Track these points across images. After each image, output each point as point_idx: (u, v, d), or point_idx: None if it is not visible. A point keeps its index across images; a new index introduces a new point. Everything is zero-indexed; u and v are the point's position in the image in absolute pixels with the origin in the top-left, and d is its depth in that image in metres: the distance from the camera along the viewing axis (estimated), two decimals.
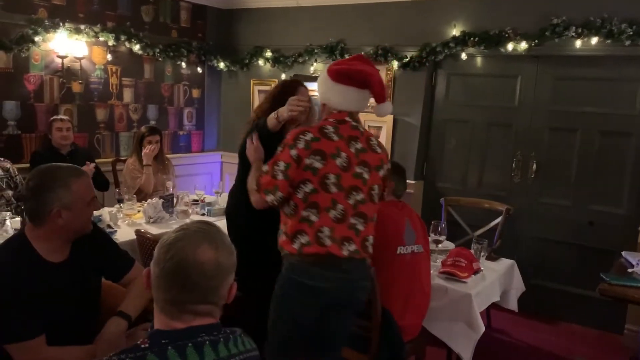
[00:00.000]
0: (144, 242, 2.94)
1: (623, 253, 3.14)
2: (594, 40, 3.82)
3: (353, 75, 2.15)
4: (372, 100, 2.23)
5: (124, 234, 3.28)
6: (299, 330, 2.13)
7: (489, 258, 3.26)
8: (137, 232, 3.02)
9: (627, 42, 3.70)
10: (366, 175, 2.14)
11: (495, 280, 3.06)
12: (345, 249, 2.08)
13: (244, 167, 2.68)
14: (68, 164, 1.89)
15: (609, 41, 3.78)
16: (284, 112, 2.43)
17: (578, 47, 3.90)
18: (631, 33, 3.67)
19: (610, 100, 3.96)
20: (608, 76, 3.95)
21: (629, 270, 2.88)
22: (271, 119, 2.46)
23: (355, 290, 2.17)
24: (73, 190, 1.78)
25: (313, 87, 5.32)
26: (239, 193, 2.78)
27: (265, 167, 2.14)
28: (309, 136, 2.08)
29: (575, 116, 4.10)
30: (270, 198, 2.08)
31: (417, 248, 2.69)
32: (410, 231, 2.68)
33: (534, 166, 4.26)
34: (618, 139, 3.98)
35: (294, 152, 2.06)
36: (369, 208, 2.16)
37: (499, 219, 3.97)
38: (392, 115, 4.83)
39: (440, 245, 3.17)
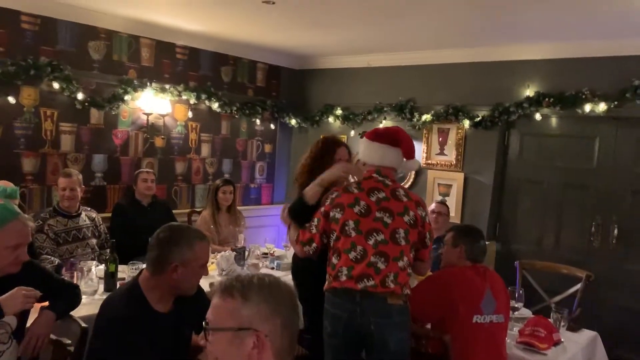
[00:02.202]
0: None
1: None
2: None
3: (384, 134, 2.53)
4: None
5: None
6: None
7: (569, 328, 3.07)
8: (212, 285, 3.09)
9: None
10: (387, 220, 2.40)
11: (577, 352, 2.88)
12: (362, 284, 2.34)
13: None
14: (197, 229, 2.10)
15: None
16: (329, 176, 2.62)
17: None
18: None
19: None
20: None
21: None
22: (312, 189, 2.61)
23: (369, 323, 2.33)
24: (195, 250, 1.93)
25: None
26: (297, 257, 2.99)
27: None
28: (334, 194, 2.50)
29: None
30: (306, 248, 2.54)
31: (497, 318, 2.57)
32: (490, 299, 2.58)
33: (615, 231, 4.06)
34: None
35: (322, 209, 2.51)
36: (391, 249, 2.38)
37: (578, 286, 3.77)
38: (462, 174, 4.79)
39: (516, 313, 3.04)
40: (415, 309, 2.57)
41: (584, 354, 2.99)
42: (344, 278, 2.37)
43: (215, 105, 5.18)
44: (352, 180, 2.72)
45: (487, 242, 4.54)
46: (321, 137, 3.05)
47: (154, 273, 1.93)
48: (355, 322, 2.36)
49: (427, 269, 2.67)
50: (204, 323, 1.25)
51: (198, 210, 4.91)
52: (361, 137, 5.29)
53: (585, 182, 4.24)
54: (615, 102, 3.93)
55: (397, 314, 2.37)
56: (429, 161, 5.04)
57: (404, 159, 2.55)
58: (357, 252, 2.38)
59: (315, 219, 2.51)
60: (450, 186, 4.92)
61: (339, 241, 2.43)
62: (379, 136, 2.53)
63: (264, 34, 4.83)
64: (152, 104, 4.72)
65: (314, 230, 2.51)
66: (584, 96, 4.06)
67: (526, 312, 3.25)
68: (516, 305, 2.97)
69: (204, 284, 3.29)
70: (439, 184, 4.99)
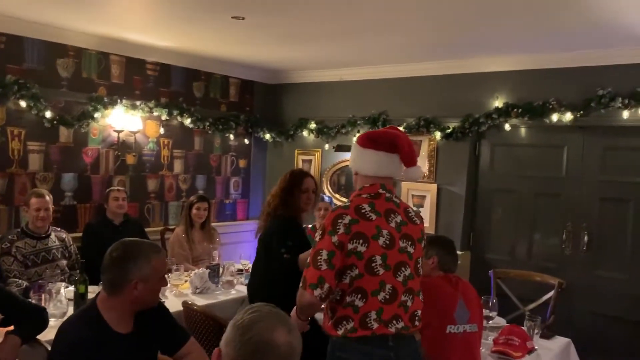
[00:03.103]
0: (191, 313, 2.97)
1: None
2: None
3: (379, 139, 2.14)
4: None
5: (171, 304, 3.28)
6: None
7: (543, 336, 3.10)
8: (185, 303, 3.05)
9: None
10: (410, 249, 2.11)
11: None
12: (393, 326, 2.05)
13: (265, 251, 3.12)
14: (150, 241, 2.05)
15: None
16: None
17: (625, 117, 3.87)
18: None
19: None
20: None
21: None
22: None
23: None
24: (153, 265, 1.90)
25: None
26: (258, 274, 3.19)
27: (307, 260, 2.06)
28: (347, 219, 2.02)
29: (627, 186, 4.00)
30: (317, 292, 1.97)
31: (471, 327, 2.58)
32: (463, 309, 2.58)
33: (586, 237, 4.14)
34: None
35: (335, 239, 2.00)
36: (415, 282, 2.14)
37: (551, 293, 3.82)
38: (435, 185, 4.83)
39: (491, 322, 3.06)
40: None
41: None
42: (375, 325, 2.01)
43: (187, 121, 5.15)
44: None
45: (461, 252, 4.62)
46: (289, 170, 3.27)
47: (112, 293, 1.88)
48: None
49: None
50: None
51: (171, 227, 4.85)
52: (335, 151, 5.38)
53: (555, 191, 4.32)
54: (581, 112, 4.03)
55: (419, 348, 2.25)
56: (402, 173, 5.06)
57: (404, 167, 2.16)
58: (387, 291, 2.03)
59: (325, 252, 1.99)
60: (423, 197, 4.96)
61: (362, 279, 2.01)
62: (372, 141, 2.14)
63: (235, 49, 4.83)
64: (123, 121, 4.66)
65: (324, 267, 1.98)
66: (551, 106, 4.14)
67: (501, 321, 3.27)
68: (490, 314, 2.99)
69: (178, 302, 3.25)
70: (412, 195, 5.03)
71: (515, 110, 4.30)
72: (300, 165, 5.78)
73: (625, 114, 3.85)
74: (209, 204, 4.50)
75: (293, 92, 5.91)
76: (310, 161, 5.73)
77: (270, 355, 1.23)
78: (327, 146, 5.51)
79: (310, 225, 4.71)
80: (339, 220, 2.02)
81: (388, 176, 2.17)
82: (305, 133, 5.63)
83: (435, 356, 2.46)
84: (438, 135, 4.77)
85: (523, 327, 2.99)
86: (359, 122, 5.21)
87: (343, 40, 4.20)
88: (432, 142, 4.86)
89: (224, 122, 5.49)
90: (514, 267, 4.30)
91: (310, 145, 5.70)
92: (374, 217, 2.06)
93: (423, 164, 4.92)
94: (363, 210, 2.06)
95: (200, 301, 3.31)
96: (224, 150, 5.70)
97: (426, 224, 4.65)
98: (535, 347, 2.88)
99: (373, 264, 2.02)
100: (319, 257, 2.00)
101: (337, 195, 5.50)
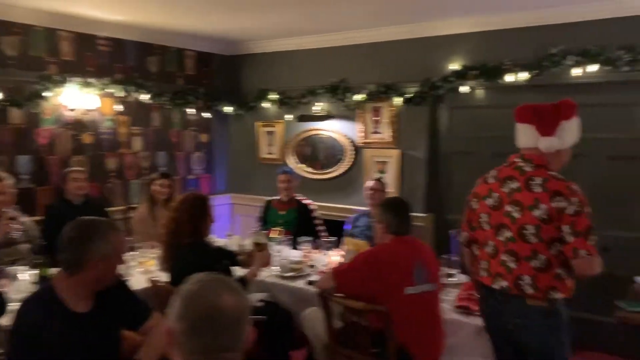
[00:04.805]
0: (158, 290, 2.96)
1: (637, 278, 3.12)
2: (593, 67, 3.88)
3: (520, 111, 2.37)
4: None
5: (137, 282, 3.29)
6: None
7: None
8: (151, 280, 3.04)
9: (625, 68, 3.76)
10: (516, 214, 2.21)
11: None
12: (497, 284, 2.28)
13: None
14: (107, 219, 2.02)
15: (606, 68, 3.84)
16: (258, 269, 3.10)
17: (576, 75, 3.96)
18: (628, 59, 3.73)
19: (614, 126, 3.99)
20: (609, 102, 3.99)
21: None
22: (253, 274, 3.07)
23: (510, 324, 2.26)
24: (111, 243, 1.87)
25: (317, 126, 5.43)
26: None
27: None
28: (478, 182, 2.47)
29: (581, 142, 4.09)
30: (461, 240, 2.56)
31: (429, 287, 2.66)
32: (420, 269, 2.65)
33: None
34: (626, 162, 3.99)
35: (468, 198, 2.50)
36: (521, 247, 2.20)
37: None
38: (398, 150, 4.89)
39: (453, 279, 3.16)
40: (347, 288, 2.63)
41: None
42: (484, 274, 2.36)
43: (144, 97, 5.03)
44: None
45: (424, 215, 4.72)
46: (191, 195, 3.15)
47: (71, 274, 1.86)
48: (498, 320, 2.33)
49: (580, 269, 2.15)
50: None
51: (134, 206, 4.79)
52: (298, 121, 5.36)
53: (511, 150, 4.38)
54: (535, 71, 4.10)
55: (539, 317, 2.20)
56: (366, 140, 5.11)
57: (540, 136, 2.26)
58: (490, 247, 2.32)
59: (464, 208, 2.52)
60: (386, 163, 5.01)
61: (476, 232, 2.41)
62: (517, 115, 2.36)
63: (189, 21, 4.72)
64: (77, 99, 4.53)
65: (463, 219, 2.52)
66: (505, 67, 4.21)
67: (463, 278, 3.38)
68: (452, 272, 3.08)
69: (143, 279, 3.24)
70: (376, 162, 5.08)
71: (471, 72, 4.36)
72: (263, 136, 5.74)
73: (576, 71, 3.95)
74: (172, 181, 4.45)
75: (252, 63, 5.83)
76: (272, 132, 5.71)
77: (221, 319, 1.25)
78: (289, 116, 5.48)
79: (277, 198, 4.72)
80: (475, 187, 2.48)
81: (532, 146, 2.29)
82: (266, 104, 5.59)
83: (397, 318, 2.53)
84: (398, 100, 4.80)
85: None
86: (319, 91, 5.19)
87: (300, 7, 4.15)
88: (392, 108, 4.89)
89: (182, 96, 5.39)
90: None
91: (272, 117, 5.66)
92: (492, 181, 2.36)
93: (385, 130, 4.96)
94: (487, 175, 2.42)
95: (166, 277, 3.30)
96: (184, 126, 5.61)
97: (390, 189, 4.81)
98: None
99: (481, 220, 2.36)
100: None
101: (302, 166, 5.50)
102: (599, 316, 4.04)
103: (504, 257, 2.24)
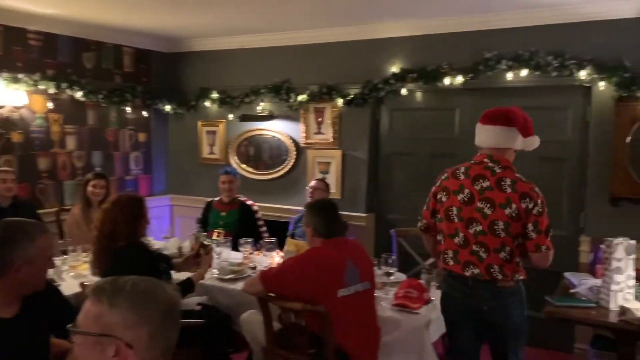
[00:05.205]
0: None
1: (565, 274, 3.26)
2: (524, 72, 4.04)
3: (495, 115, 2.52)
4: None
5: (68, 287, 3.16)
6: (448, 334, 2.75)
7: (439, 287, 3.30)
8: (82, 284, 2.93)
9: (554, 74, 3.94)
10: (488, 211, 2.42)
11: None
12: (468, 271, 2.47)
13: None
14: (34, 220, 1.90)
15: (537, 73, 4.01)
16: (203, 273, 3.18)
17: (509, 79, 4.11)
18: (557, 65, 3.91)
19: (545, 129, 4.15)
20: (539, 105, 4.16)
21: (572, 290, 3.00)
22: (198, 277, 3.14)
23: (483, 306, 2.47)
24: (38, 245, 1.78)
25: (260, 126, 5.38)
26: None
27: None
28: (444, 176, 2.62)
29: None
30: (419, 225, 2.75)
31: (362, 286, 2.66)
32: (352, 270, 2.64)
33: None
34: (555, 163, 4.18)
35: (433, 189, 2.66)
36: (490, 240, 2.43)
37: None
38: (340, 151, 4.92)
39: (392, 277, 3.21)
40: (276, 293, 2.61)
41: None
42: (451, 262, 2.53)
43: (78, 94, 4.83)
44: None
45: (365, 215, 4.78)
46: (125, 196, 3.03)
47: None
48: (470, 302, 2.50)
49: (538, 261, 2.46)
50: (70, 325, 1.21)
51: (68, 208, 4.59)
52: (240, 121, 5.30)
53: (449, 151, 4.54)
54: (471, 75, 4.23)
55: (509, 295, 2.47)
56: (308, 140, 5.11)
57: (522, 137, 2.50)
58: (460, 238, 2.49)
59: (428, 198, 2.68)
60: (329, 164, 5.03)
61: (443, 223, 2.57)
62: (490, 119, 2.52)
63: (127, 16, 4.58)
64: (4, 96, 4.30)
65: (425, 208, 2.69)
66: (443, 70, 4.32)
67: (401, 277, 3.43)
68: (390, 271, 3.13)
69: (74, 284, 3.11)
70: (318, 162, 5.09)
71: (410, 75, 4.44)
72: (204, 136, 5.65)
73: (509, 75, 4.10)
74: (107, 181, 4.30)
75: (193, 61, 5.72)
76: (214, 132, 5.62)
77: (175, 313, 1.23)
78: (231, 116, 5.41)
79: (216, 199, 4.66)
80: (441, 177, 2.64)
81: (505, 147, 2.50)
82: (207, 103, 5.49)
83: (333, 319, 2.53)
84: (340, 102, 4.83)
85: (421, 280, 3.17)
86: (262, 90, 5.15)
87: (241, 6, 4.10)
88: (334, 109, 4.92)
89: (119, 94, 5.22)
90: (414, 225, 4.48)
91: (214, 116, 5.57)
92: (462, 177, 2.52)
93: (327, 131, 4.98)
94: (457, 171, 2.56)
95: None
96: (121, 124, 5.43)
97: (332, 190, 4.84)
98: (432, 298, 3.06)
99: (450, 213, 2.52)
100: (426, 202, 2.70)
101: (244, 166, 5.44)
102: (530, 311, 4.20)
103: (475, 248, 2.45)
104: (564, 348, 4.11)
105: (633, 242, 2.74)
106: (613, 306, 2.70)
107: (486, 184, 2.45)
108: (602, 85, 3.84)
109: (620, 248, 2.70)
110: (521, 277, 2.51)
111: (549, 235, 2.44)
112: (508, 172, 2.45)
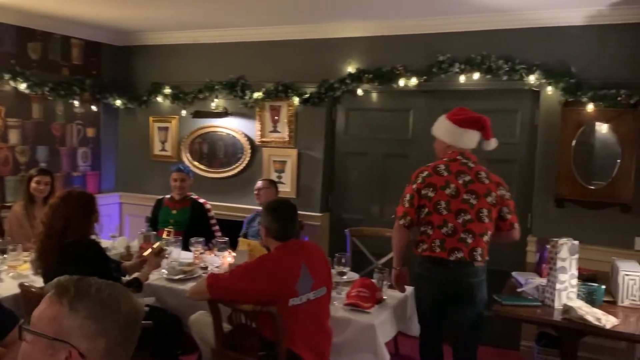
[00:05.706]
0: (29, 296, 2.72)
1: (513, 273, 3.34)
2: (476, 75, 4.12)
3: (473, 121, 2.95)
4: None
5: (7, 287, 3.01)
6: (424, 313, 3.03)
7: (391, 287, 3.32)
8: (22, 285, 2.79)
9: (504, 77, 4.03)
10: (473, 201, 2.81)
11: (397, 307, 3.13)
12: (454, 255, 2.79)
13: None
14: None
15: (488, 76, 4.09)
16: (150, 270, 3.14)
17: (462, 82, 4.19)
18: (507, 69, 4.00)
19: (494, 131, 4.24)
20: (490, 108, 4.23)
21: (519, 290, 3.07)
22: (145, 276, 3.09)
23: (462, 283, 2.83)
24: None
25: (214, 123, 5.29)
26: None
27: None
28: (425, 173, 2.88)
29: None
30: (402, 222, 2.89)
31: (315, 294, 2.61)
32: (306, 277, 2.57)
33: None
34: (504, 165, 4.26)
35: (414, 186, 2.87)
36: (477, 226, 2.81)
37: None
38: (295, 150, 4.89)
39: (345, 277, 3.21)
40: (229, 298, 2.56)
41: (404, 308, 3.25)
42: (438, 250, 2.82)
43: (22, 86, 4.62)
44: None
45: (320, 214, 4.77)
46: (76, 192, 2.88)
47: None
48: (451, 281, 2.83)
49: (516, 235, 2.98)
50: (22, 320, 1.15)
51: (9, 205, 4.38)
52: (193, 117, 5.18)
53: (403, 152, 4.59)
54: (425, 77, 4.28)
55: (482, 273, 2.89)
56: (264, 139, 5.06)
57: (485, 140, 2.99)
58: (449, 228, 2.80)
59: (408, 195, 2.88)
60: (284, 162, 5.00)
61: (431, 216, 2.83)
62: (470, 124, 2.93)
63: (76, 7, 4.40)
64: None
65: (407, 205, 2.87)
66: (398, 72, 4.35)
67: (354, 276, 3.44)
68: (344, 270, 3.12)
69: (14, 284, 2.97)
70: (274, 161, 5.05)
71: (366, 75, 4.46)
72: (156, 132, 5.51)
73: (462, 78, 4.17)
74: (52, 178, 4.13)
75: (145, 55, 5.57)
76: (166, 128, 5.49)
77: (139, 324, 1.19)
78: (184, 112, 5.29)
79: (167, 197, 4.55)
80: (420, 174, 2.90)
81: (469, 147, 2.96)
82: (160, 99, 5.36)
83: (286, 329, 2.50)
84: (296, 100, 4.80)
85: (373, 280, 3.18)
86: (217, 87, 5.07)
87: (194, 1, 4.01)
88: (291, 108, 4.88)
89: (67, 87, 5.02)
90: (369, 225, 4.53)
91: (166, 112, 5.44)
92: (445, 174, 2.86)
93: (283, 129, 4.94)
94: (438, 169, 2.88)
95: (40, 283, 3.04)
96: (68, 119, 5.23)
97: (287, 189, 4.82)
98: (384, 297, 3.08)
99: (438, 206, 2.81)
100: (405, 199, 2.90)
101: (197, 164, 5.34)
102: None
103: (463, 235, 2.79)
104: (511, 345, 4.21)
105: (576, 242, 2.83)
106: (557, 305, 2.78)
107: (467, 178, 2.84)
108: (549, 90, 3.96)
109: (565, 248, 2.78)
110: (487, 259, 2.90)
111: (516, 214, 2.97)
112: (479, 167, 2.91)
